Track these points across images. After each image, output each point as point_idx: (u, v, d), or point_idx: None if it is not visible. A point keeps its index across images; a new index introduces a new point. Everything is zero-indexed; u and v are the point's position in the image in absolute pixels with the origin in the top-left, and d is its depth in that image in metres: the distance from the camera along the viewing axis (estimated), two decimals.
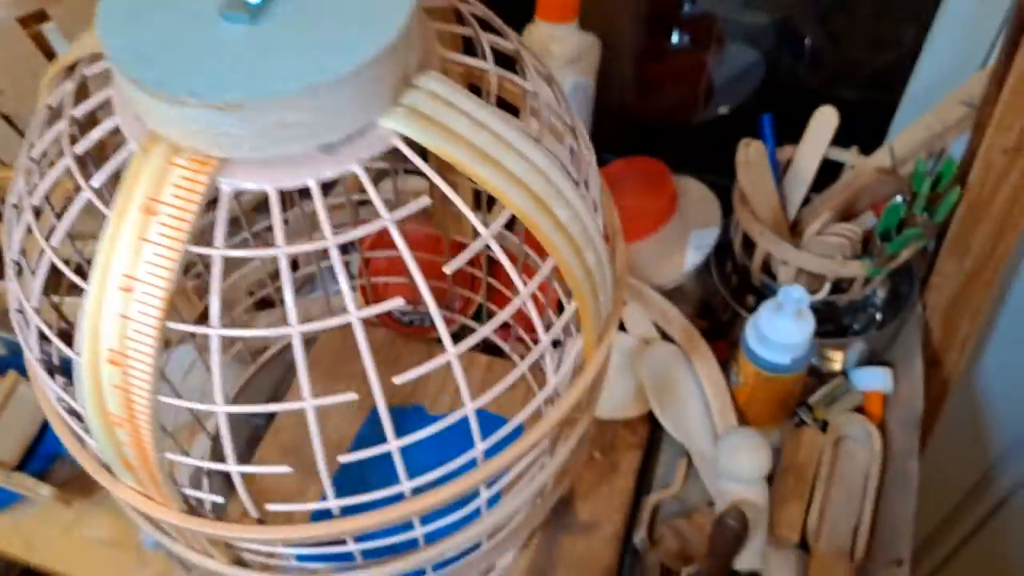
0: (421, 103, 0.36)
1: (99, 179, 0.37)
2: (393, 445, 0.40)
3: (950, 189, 0.69)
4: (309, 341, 0.80)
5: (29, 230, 0.40)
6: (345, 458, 0.40)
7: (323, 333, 0.81)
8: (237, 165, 0.35)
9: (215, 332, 0.36)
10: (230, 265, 0.74)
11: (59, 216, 0.39)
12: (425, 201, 0.37)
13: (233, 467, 0.39)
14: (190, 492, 0.42)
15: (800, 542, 0.70)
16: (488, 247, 0.38)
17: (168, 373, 0.73)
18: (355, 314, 0.37)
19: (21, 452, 0.73)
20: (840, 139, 0.76)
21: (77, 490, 0.75)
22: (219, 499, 0.42)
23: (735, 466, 0.58)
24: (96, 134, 0.38)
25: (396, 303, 0.37)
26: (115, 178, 0.36)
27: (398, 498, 0.44)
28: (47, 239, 0.39)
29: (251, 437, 0.75)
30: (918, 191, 0.69)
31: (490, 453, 0.45)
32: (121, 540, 0.73)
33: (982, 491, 1.10)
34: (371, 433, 0.74)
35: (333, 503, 0.42)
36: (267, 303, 0.80)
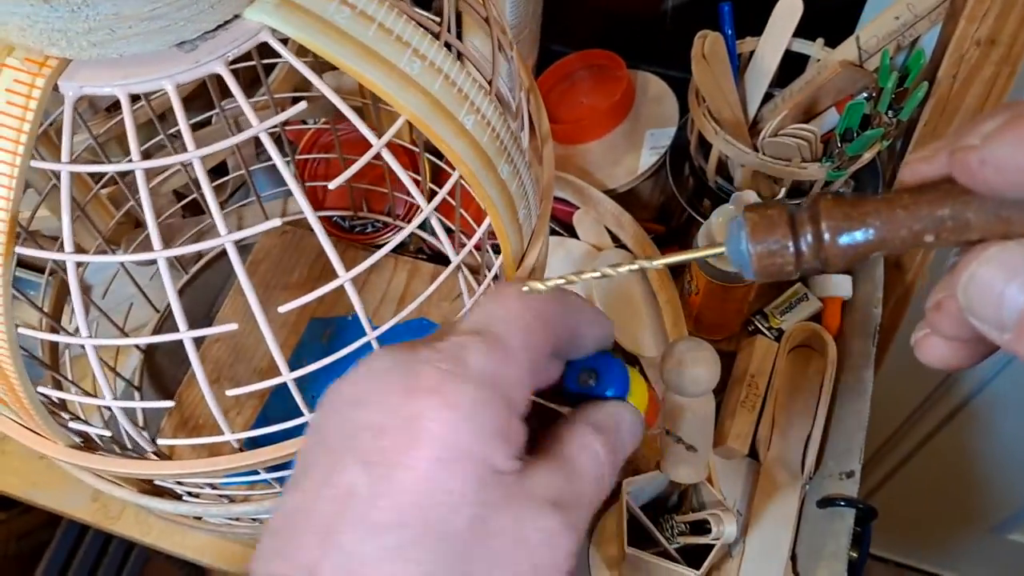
0: None
1: None
2: (288, 376, 0.37)
3: (918, 85, 0.65)
4: (243, 249, 0.77)
5: None
6: (233, 392, 0.37)
7: (259, 240, 0.77)
8: (82, 66, 0.31)
9: (70, 258, 0.32)
10: (149, 170, 0.69)
11: None
12: (301, 106, 0.32)
13: (110, 401, 0.36)
14: (74, 426, 0.39)
15: (750, 453, 0.69)
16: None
17: (89, 282, 0.69)
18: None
19: None
20: (807, 31, 0.71)
21: None
22: (105, 432, 0.39)
23: (676, 378, 0.56)
24: None
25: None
26: None
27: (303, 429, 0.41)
28: None
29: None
30: (883, 86, 0.65)
31: None
32: None
33: (938, 399, 1.10)
34: (311, 342, 0.71)
35: (231, 437, 0.39)
36: (199, 209, 0.76)
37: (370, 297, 0.73)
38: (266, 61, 0.62)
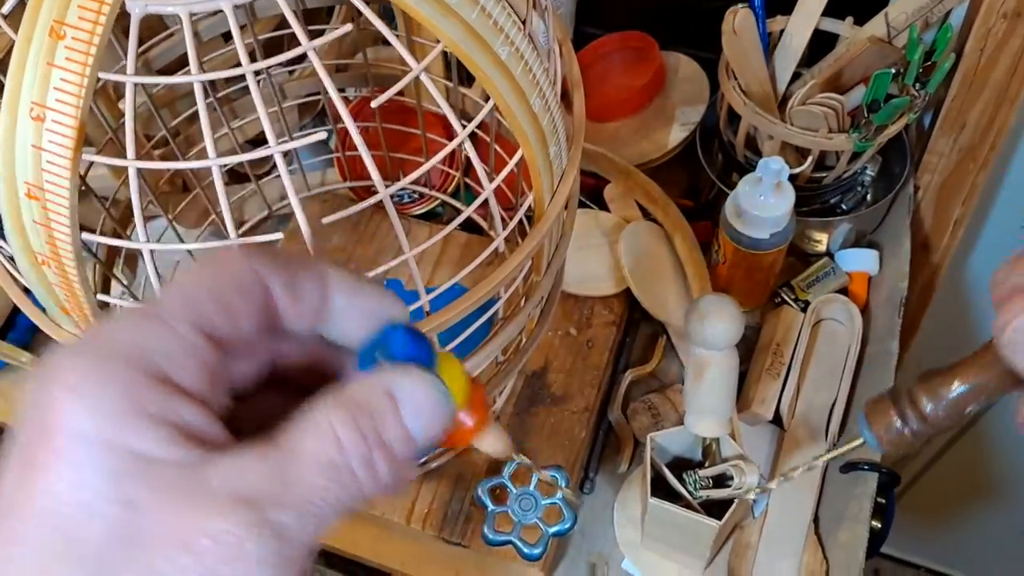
0: None
1: (9, 5, 0.35)
2: None
3: (945, 58, 0.66)
4: (283, 217, 0.80)
5: None
6: None
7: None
8: None
9: (132, 164, 0.35)
10: (195, 135, 0.72)
11: None
12: (348, 27, 0.35)
13: None
14: None
15: (775, 420, 0.70)
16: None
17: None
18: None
19: (0, 321, 0.73)
20: (836, 10, 0.72)
21: None
22: None
23: (700, 331, 0.57)
24: None
25: None
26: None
27: None
28: None
29: None
30: (911, 60, 0.66)
31: None
32: None
33: None
34: None
35: None
36: (243, 177, 0.79)
37: (406, 263, 0.76)
38: (312, 27, 0.65)
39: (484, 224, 0.77)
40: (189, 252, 0.74)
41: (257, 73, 0.68)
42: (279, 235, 0.38)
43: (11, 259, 0.44)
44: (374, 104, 0.36)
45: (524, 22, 0.41)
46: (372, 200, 0.38)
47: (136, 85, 0.63)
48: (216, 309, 0.22)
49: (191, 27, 0.34)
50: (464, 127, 0.39)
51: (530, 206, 0.47)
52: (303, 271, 0.24)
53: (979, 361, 0.30)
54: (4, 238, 0.43)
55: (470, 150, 0.40)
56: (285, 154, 0.82)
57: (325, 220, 0.37)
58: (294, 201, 0.36)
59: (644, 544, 0.66)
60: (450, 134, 0.76)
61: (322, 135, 0.35)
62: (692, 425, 0.60)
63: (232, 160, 0.36)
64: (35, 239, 0.36)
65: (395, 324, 0.25)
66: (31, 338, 0.77)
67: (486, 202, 0.78)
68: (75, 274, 0.37)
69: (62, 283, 0.38)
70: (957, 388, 0.30)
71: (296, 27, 0.34)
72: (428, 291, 0.43)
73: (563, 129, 0.45)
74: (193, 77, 0.34)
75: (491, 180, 0.62)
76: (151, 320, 0.22)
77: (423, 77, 0.37)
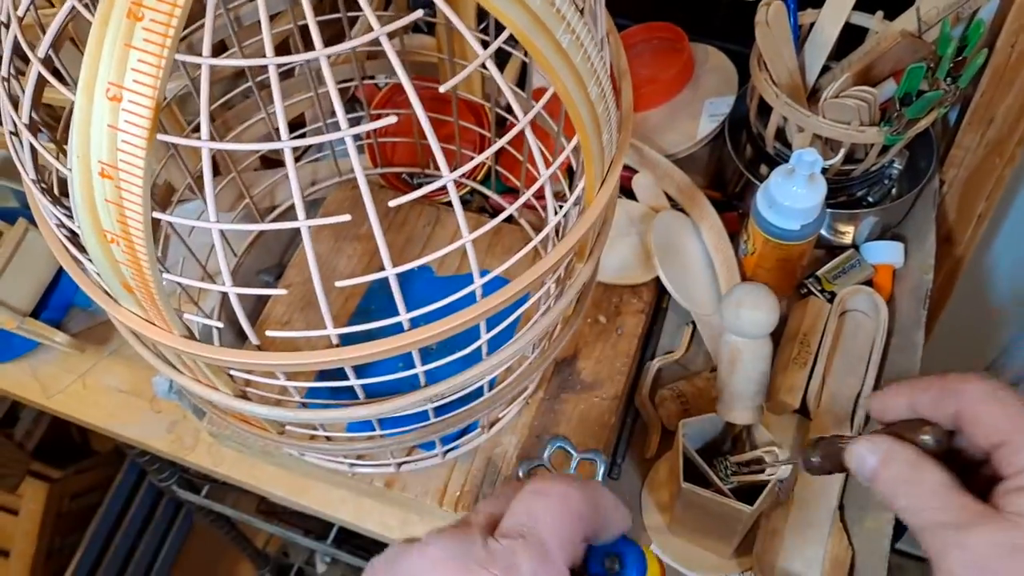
0: None
1: None
2: (390, 272, 0.40)
3: (977, 53, 0.67)
4: (315, 201, 0.80)
5: (16, 45, 0.39)
6: (342, 283, 0.40)
7: (331, 193, 0.80)
8: None
9: (205, 145, 0.35)
10: (234, 119, 0.73)
11: (44, 29, 0.38)
12: (418, 13, 0.36)
13: (229, 288, 0.39)
14: (189, 316, 0.43)
15: (800, 411, 0.71)
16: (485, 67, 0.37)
17: (177, 228, 0.73)
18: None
19: (34, 299, 0.74)
20: (866, 3, 0.73)
21: (92, 339, 0.77)
22: (217, 324, 0.43)
23: (735, 319, 0.58)
24: None
25: None
26: None
27: (398, 331, 0.44)
28: (33, 50, 0.38)
29: (259, 297, 0.76)
30: (943, 54, 0.66)
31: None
32: (135, 388, 0.75)
33: None
34: (380, 291, 0.74)
35: (332, 331, 0.42)
36: (275, 162, 0.80)
37: (435, 249, 0.77)
38: (351, 14, 0.66)
39: (515, 212, 0.77)
40: (221, 232, 0.75)
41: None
42: (347, 217, 0.38)
43: (69, 238, 0.45)
44: (442, 89, 0.37)
45: (582, 11, 0.42)
46: (437, 184, 0.39)
47: (179, 68, 0.64)
48: (575, 548, 0.31)
49: (266, 11, 0.34)
50: (523, 116, 0.40)
51: (578, 196, 0.48)
52: (610, 497, 0.34)
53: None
54: (62, 216, 0.44)
55: (530, 137, 0.40)
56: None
57: (392, 203, 0.38)
58: (361, 180, 0.37)
59: (671, 529, 0.67)
60: (481, 122, 0.77)
61: (392, 119, 0.36)
62: (725, 413, 0.61)
63: (303, 143, 0.36)
64: (105, 217, 0.37)
65: (625, 538, 0.35)
66: (63, 317, 0.78)
67: (512, 191, 0.79)
68: (144, 251, 0.38)
69: (129, 260, 0.38)
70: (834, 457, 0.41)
71: (368, 11, 0.35)
72: (483, 274, 0.43)
73: (615, 118, 0.45)
74: (268, 60, 0.34)
75: (531, 168, 0.63)
76: (548, 559, 0.30)
77: (489, 64, 0.38)
